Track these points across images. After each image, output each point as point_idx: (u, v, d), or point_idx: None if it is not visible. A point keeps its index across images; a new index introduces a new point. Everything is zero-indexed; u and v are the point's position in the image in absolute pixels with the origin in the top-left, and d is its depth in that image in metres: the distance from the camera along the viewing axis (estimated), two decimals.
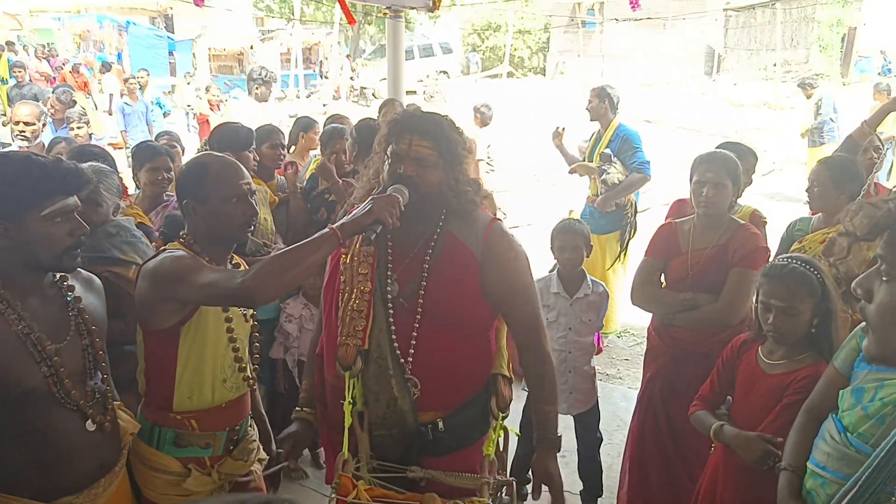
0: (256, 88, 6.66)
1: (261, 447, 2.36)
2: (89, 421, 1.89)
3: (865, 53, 22.03)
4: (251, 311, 2.26)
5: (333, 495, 1.88)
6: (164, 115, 10.62)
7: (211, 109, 10.70)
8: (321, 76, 24.30)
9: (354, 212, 1.92)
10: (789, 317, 2.23)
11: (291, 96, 20.29)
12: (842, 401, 1.92)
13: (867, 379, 1.88)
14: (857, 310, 2.63)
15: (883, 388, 1.81)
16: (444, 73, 23.81)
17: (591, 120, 5.37)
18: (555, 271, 3.39)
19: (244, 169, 2.18)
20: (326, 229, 1.86)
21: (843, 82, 20.88)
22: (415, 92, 16.36)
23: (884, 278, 0.97)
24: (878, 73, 20.58)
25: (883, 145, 3.87)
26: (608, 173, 5.12)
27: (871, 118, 3.74)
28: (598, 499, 3.49)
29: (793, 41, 22.76)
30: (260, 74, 6.78)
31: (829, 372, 2.06)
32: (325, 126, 4.66)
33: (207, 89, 12.12)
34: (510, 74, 23.76)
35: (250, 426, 2.33)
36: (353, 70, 23.04)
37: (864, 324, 1.02)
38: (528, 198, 9.75)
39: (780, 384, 2.26)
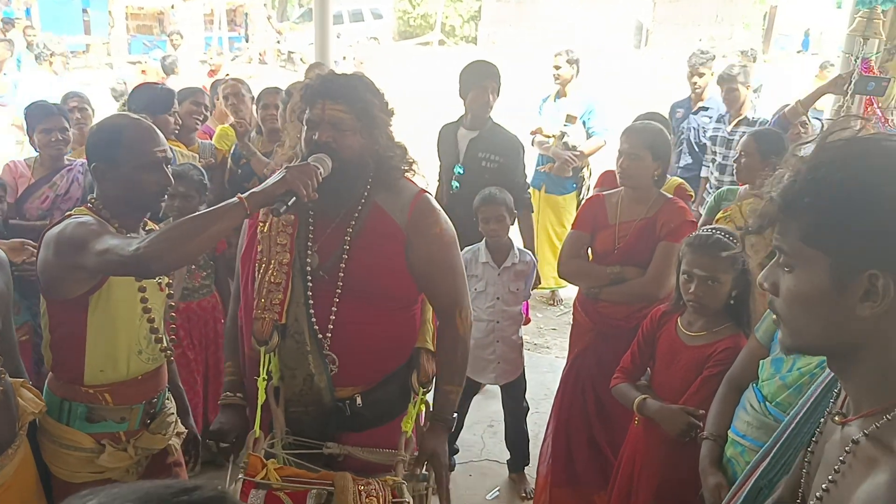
0: None
1: (179, 420, 2.27)
2: None
3: (786, 32, 22.73)
4: (166, 279, 2.16)
5: (241, 476, 1.79)
6: None
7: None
8: (246, 39, 23.54)
9: (267, 181, 1.81)
10: (711, 286, 2.25)
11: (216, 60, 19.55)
12: (762, 371, 1.97)
13: None
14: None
15: (800, 358, 1.86)
16: (375, 39, 23.40)
17: (556, 83, 5.47)
18: (483, 241, 3.37)
19: (160, 134, 2.06)
20: (234, 198, 1.75)
21: (764, 59, 21.49)
22: (344, 58, 16.03)
23: (786, 269, 0.97)
24: (797, 52, 21.29)
25: (810, 121, 3.98)
26: (569, 136, 5.25)
27: (805, 98, 3.82)
28: (525, 467, 3.53)
29: (717, 17, 23.26)
30: None
31: (750, 343, 2.10)
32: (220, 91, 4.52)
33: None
34: (441, 42, 23.54)
35: (168, 399, 2.25)
36: (278, 33, 22.38)
37: (774, 317, 1.02)
38: None
39: (701, 356, 2.28)
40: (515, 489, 3.48)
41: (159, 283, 2.13)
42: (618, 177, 2.92)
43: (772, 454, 1.28)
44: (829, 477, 0.97)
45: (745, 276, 2.27)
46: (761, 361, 1.98)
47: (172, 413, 2.23)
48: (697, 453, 2.07)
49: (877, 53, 3.55)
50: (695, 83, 5.24)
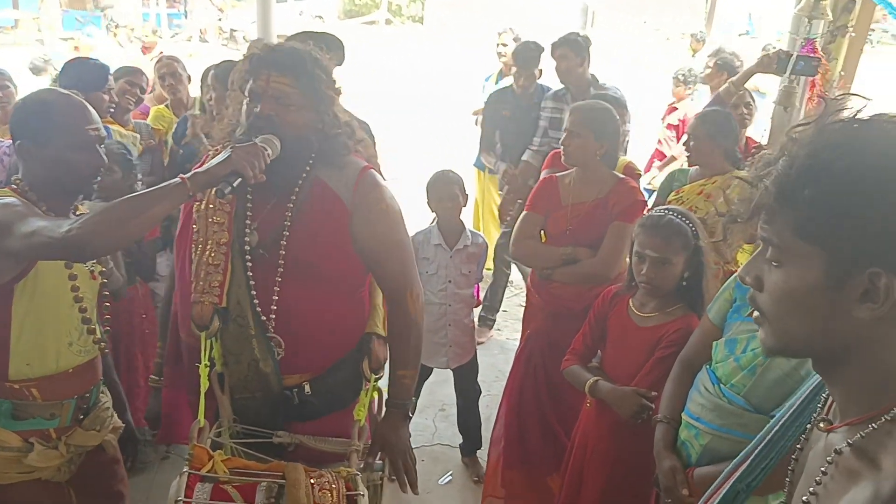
0: None
1: (115, 415, 2.16)
2: None
3: (729, 14, 23.06)
4: (99, 266, 2.03)
5: (186, 469, 1.71)
6: None
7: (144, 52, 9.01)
8: (186, 16, 22.82)
9: (211, 161, 1.72)
10: (663, 268, 2.23)
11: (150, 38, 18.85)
12: (715, 352, 1.95)
13: (739, 330, 1.92)
14: (730, 260, 2.73)
15: (754, 339, 1.84)
16: (319, 17, 22.98)
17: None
18: (435, 223, 3.30)
19: (93, 112, 1.93)
20: (176, 178, 1.65)
21: (707, 42, 21.79)
22: (285, 35, 15.69)
23: (774, 263, 0.90)
24: (739, 35, 21.66)
25: (754, 101, 4.00)
26: None
27: (737, 78, 3.84)
28: (478, 451, 3.50)
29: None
30: None
31: (703, 323, 2.09)
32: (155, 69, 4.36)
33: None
34: (388, 22, 23.26)
35: (102, 392, 2.13)
36: (220, 10, 21.77)
37: (756, 313, 0.95)
38: (402, 151, 9.57)
39: (653, 337, 2.27)
40: (468, 473, 3.46)
41: (91, 271, 2.00)
42: (562, 156, 2.91)
43: (752, 457, 1.21)
44: (811, 489, 0.92)
45: (697, 258, 2.26)
46: (714, 343, 1.97)
47: (108, 408, 2.12)
48: (650, 435, 2.05)
49: (821, 35, 3.57)
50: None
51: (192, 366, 1.96)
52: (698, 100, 5.78)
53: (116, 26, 8.47)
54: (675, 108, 5.81)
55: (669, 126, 5.73)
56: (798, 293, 0.88)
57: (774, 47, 6.26)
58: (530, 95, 4.62)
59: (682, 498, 1.88)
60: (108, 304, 2.10)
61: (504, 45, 5.32)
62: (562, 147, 2.89)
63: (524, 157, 4.48)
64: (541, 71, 4.64)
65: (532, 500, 3.02)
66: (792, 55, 3.43)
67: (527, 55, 4.56)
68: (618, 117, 2.99)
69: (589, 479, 2.39)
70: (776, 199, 0.88)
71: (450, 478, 3.42)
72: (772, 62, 3.54)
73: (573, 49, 4.25)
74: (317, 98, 1.86)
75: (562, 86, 4.41)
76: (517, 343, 3.28)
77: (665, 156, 5.71)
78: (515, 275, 5.67)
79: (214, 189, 1.70)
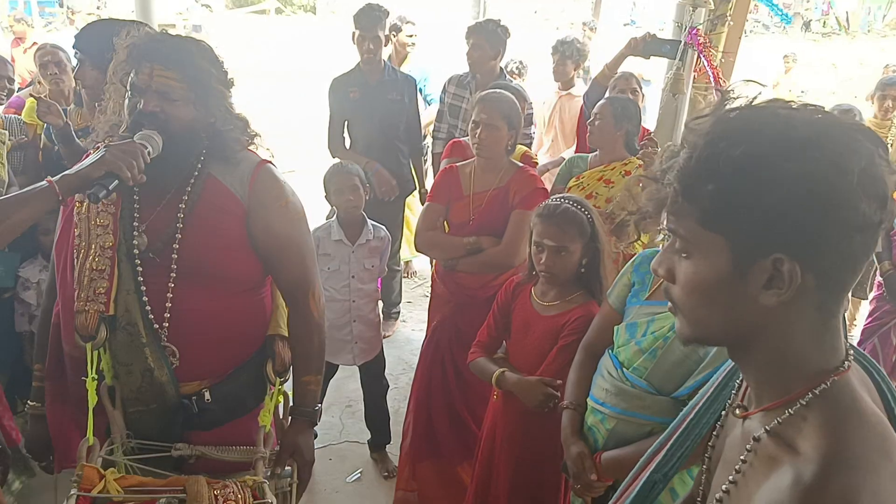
0: None
1: None
2: None
3: (614, 5, 23.73)
4: None
5: (74, 491, 1.58)
6: None
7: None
8: (61, 4, 21.49)
9: (83, 161, 1.60)
10: (561, 256, 2.26)
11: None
12: (617, 336, 1.98)
13: (639, 314, 1.96)
14: (628, 245, 2.79)
15: (654, 322, 1.89)
16: (207, 6, 22.18)
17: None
18: (334, 218, 3.23)
19: None
20: (43, 182, 1.53)
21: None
22: (174, 25, 15.08)
23: (682, 255, 0.90)
24: (624, 25, 22.37)
25: (640, 87, 4.10)
26: None
27: (610, 62, 3.92)
28: (387, 446, 3.46)
29: None
30: None
31: (603, 309, 2.12)
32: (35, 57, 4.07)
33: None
34: (278, 11, 22.72)
35: None
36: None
37: (669, 304, 0.96)
38: (295, 143, 9.37)
39: (555, 325, 2.29)
40: (378, 469, 3.42)
41: None
42: (474, 147, 2.89)
43: (668, 446, 1.21)
44: (730, 477, 0.92)
45: (594, 244, 2.30)
46: (616, 327, 2.00)
47: None
48: (557, 424, 2.07)
49: (703, 23, 3.70)
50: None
51: (77, 380, 1.82)
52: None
53: (73, 13, 7.99)
54: None
55: None
56: (707, 283, 0.88)
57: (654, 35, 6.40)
58: (380, 71, 4.19)
59: (591, 483, 1.90)
60: None
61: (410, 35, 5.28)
62: (476, 139, 2.85)
63: (433, 148, 4.41)
64: (388, 37, 4.31)
65: (444, 492, 3.02)
66: (654, 38, 3.58)
67: (369, 16, 4.05)
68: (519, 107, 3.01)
69: (499, 469, 2.40)
70: (679, 191, 0.87)
71: (358, 475, 3.37)
72: (639, 45, 3.66)
73: (490, 41, 4.10)
74: (206, 93, 1.76)
75: (461, 72, 4.34)
76: (423, 334, 3.26)
77: None
78: (419, 265, 5.66)
79: (87, 193, 1.57)
